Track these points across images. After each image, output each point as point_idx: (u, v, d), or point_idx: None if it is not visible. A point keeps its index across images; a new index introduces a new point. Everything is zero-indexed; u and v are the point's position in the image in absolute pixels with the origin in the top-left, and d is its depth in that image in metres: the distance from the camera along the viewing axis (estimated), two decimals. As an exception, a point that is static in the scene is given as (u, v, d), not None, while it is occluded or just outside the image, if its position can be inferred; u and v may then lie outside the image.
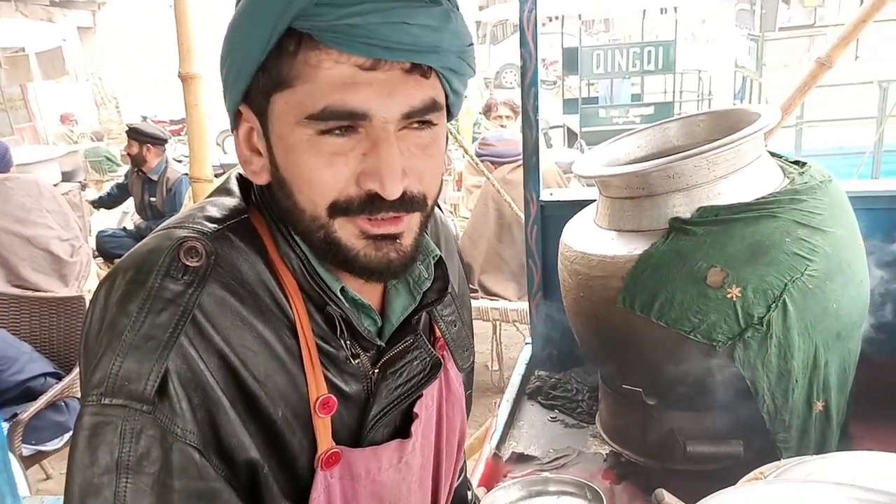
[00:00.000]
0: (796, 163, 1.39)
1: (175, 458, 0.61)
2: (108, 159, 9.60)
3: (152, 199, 4.86)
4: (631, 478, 1.45)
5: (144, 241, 0.68)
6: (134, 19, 13.12)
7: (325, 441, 0.70)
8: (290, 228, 0.71)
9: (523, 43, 1.74)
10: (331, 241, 0.67)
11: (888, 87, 5.50)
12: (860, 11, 2.07)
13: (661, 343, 1.27)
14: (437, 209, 0.91)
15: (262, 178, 0.70)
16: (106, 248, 4.93)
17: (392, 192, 0.63)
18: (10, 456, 2.45)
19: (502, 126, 4.79)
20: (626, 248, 1.32)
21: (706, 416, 1.34)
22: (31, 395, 2.62)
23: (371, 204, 0.64)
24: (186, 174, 4.83)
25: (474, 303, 3.48)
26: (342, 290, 0.72)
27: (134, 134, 4.77)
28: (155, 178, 4.81)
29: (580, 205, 1.66)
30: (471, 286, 3.56)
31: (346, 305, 0.72)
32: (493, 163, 3.75)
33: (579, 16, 8.81)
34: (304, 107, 0.62)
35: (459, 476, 1.10)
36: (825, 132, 6.33)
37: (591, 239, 1.42)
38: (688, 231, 1.24)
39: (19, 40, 11.53)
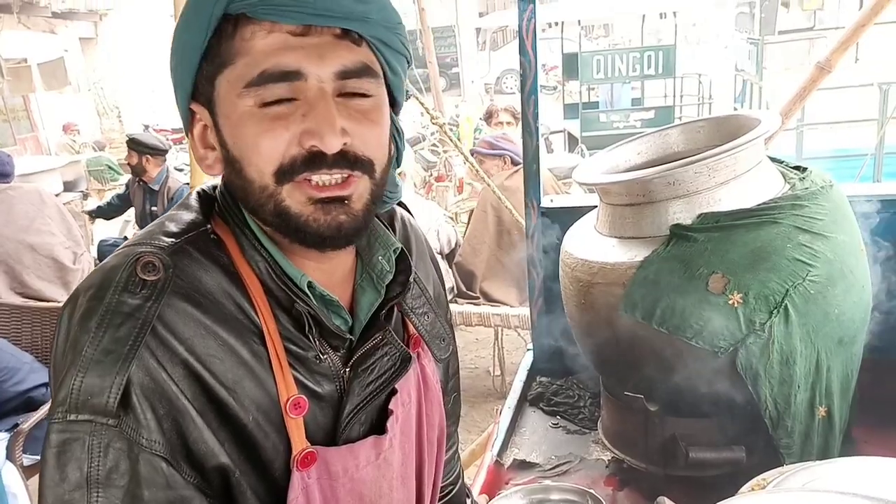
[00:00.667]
0: (797, 168, 1.39)
1: (143, 469, 0.62)
2: (110, 168, 9.63)
3: (153, 208, 4.87)
4: (633, 484, 1.44)
5: (105, 260, 0.70)
6: (135, 30, 13.18)
7: (299, 442, 0.71)
8: (252, 231, 0.73)
9: (522, 51, 1.75)
10: (280, 210, 0.68)
11: (888, 89, 5.49)
12: (859, 16, 2.07)
13: (662, 349, 1.27)
14: (405, 210, 0.95)
15: (216, 170, 0.73)
16: (108, 256, 4.94)
17: (331, 145, 0.65)
18: (11, 466, 2.46)
19: (503, 133, 4.80)
20: (627, 254, 1.32)
21: (708, 422, 1.34)
22: (33, 406, 2.62)
23: (313, 161, 0.66)
24: (187, 184, 4.84)
25: (476, 309, 3.48)
26: (309, 285, 0.73)
27: (133, 144, 4.78)
28: (156, 187, 4.82)
29: (581, 211, 1.66)
30: (473, 293, 3.56)
31: (314, 303, 0.73)
32: (501, 158, 3.75)
33: (579, 21, 8.83)
34: (242, 77, 0.65)
35: (449, 476, 1.10)
36: (826, 135, 6.32)
37: (591, 246, 1.42)
38: (689, 238, 1.24)
39: (22, 52, 11.58)
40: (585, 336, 1.48)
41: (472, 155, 3.56)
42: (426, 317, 0.88)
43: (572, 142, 8.60)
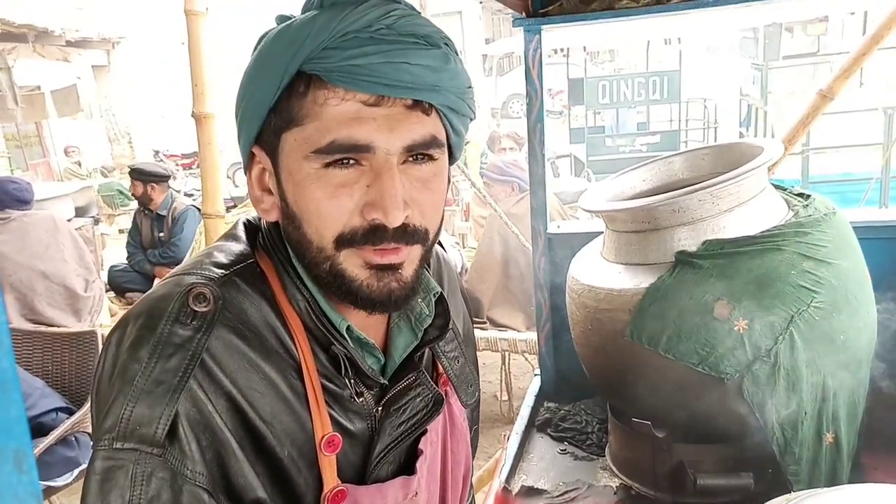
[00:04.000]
0: (800, 195, 1.40)
1: (185, 500, 0.62)
2: (121, 193, 9.75)
3: (161, 234, 4.91)
4: (642, 511, 1.44)
5: (155, 287, 0.71)
6: (147, 57, 13.41)
7: (330, 479, 0.71)
8: (296, 269, 0.73)
9: (528, 80, 1.78)
10: (336, 272, 0.69)
11: (893, 113, 5.52)
12: (861, 44, 2.10)
13: (669, 376, 1.28)
14: (439, 246, 0.94)
15: (272, 216, 0.74)
16: (118, 282, 4.98)
17: (394, 220, 0.66)
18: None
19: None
20: (632, 281, 1.33)
21: (716, 448, 1.34)
22: (43, 431, 2.63)
23: (374, 234, 0.67)
24: (193, 206, 4.89)
25: (483, 333, 3.48)
26: (348, 329, 0.74)
27: (137, 174, 4.83)
28: (164, 212, 4.86)
29: (587, 237, 1.68)
30: (479, 319, 3.57)
31: (351, 345, 0.74)
32: (509, 185, 3.78)
33: (584, 47, 8.92)
34: (311, 141, 0.66)
35: None
36: (832, 159, 6.34)
37: (598, 272, 1.44)
38: (694, 264, 1.26)
39: (36, 79, 11.80)
40: (592, 362, 1.49)
41: (482, 178, 3.59)
42: (456, 361, 0.88)
43: (578, 166, 8.63)
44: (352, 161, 0.66)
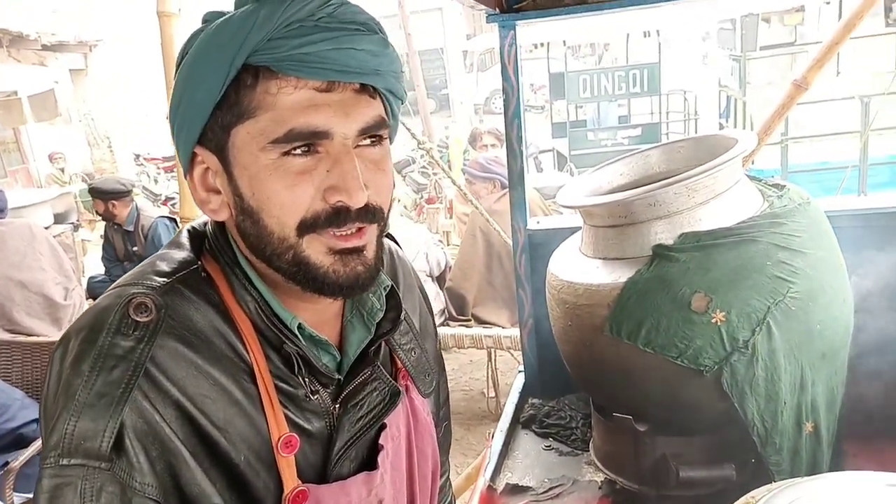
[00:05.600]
0: (775, 185, 1.41)
1: None
2: (101, 199, 9.61)
3: (134, 248, 4.85)
4: (627, 505, 1.44)
5: (97, 301, 0.70)
6: (125, 60, 13.27)
7: (290, 480, 0.71)
8: (244, 271, 0.73)
9: (505, 76, 1.77)
10: (300, 261, 0.69)
11: (869, 101, 5.58)
12: (833, 33, 2.11)
13: (649, 369, 1.28)
14: (394, 244, 0.95)
15: (221, 215, 0.73)
16: (97, 293, 4.91)
17: (358, 201, 0.67)
18: (2, 505, 2.43)
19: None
20: (611, 276, 1.33)
21: (698, 440, 1.34)
22: (23, 443, 2.60)
23: (337, 217, 0.68)
24: (162, 217, 4.84)
25: (468, 331, 3.48)
26: (299, 327, 0.74)
27: (95, 193, 4.75)
28: (130, 228, 4.79)
29: (567, 232, 1.67)
30: (464, 317, 3.57)
31: (303, 343, 0.74)
32: (491, 181, 3.79)
33: (564, 42, 8.93)
34: (267, 133, 0.66)
35: None
36: (811, 148, 6.40)
37: (576, 268, 1.44)
38: (671, 257, 1.26)
39: (12, 84, 11.62)
40: (573, 358, 1.49)
41: (464, 175, 3.58)
42: (413, 353, 0.89)
43: (561, 160, 8.65)
44: (309, 148, 0.67)
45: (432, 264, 3.56)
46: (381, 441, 0.80)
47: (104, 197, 4.69)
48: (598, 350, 1.36)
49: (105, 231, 5.13)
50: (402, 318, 0.82)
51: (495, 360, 3.88)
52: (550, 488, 1.54)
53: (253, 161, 0.67)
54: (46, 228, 5.32)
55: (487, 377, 3.93)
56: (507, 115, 1.80)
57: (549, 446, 1.74)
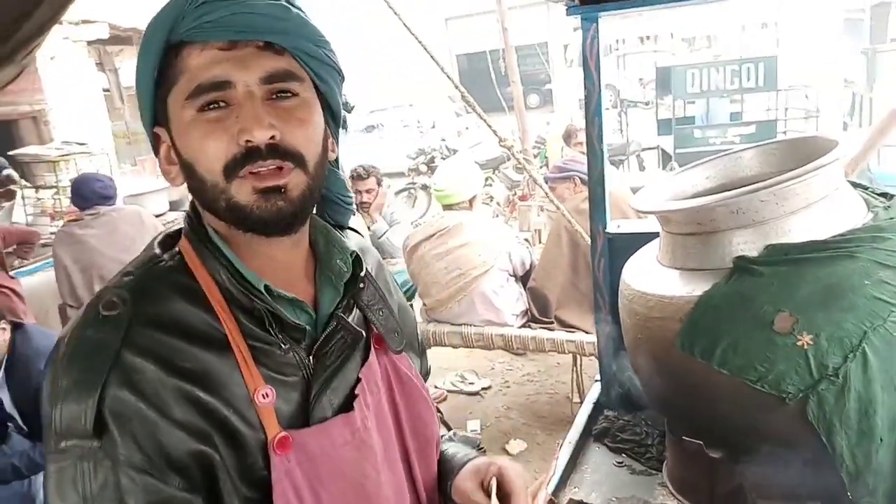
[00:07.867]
0: (883, 195, 1.26)
1: (125, 483, 0.69)
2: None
3: None
4: (698, 535, 1.34)
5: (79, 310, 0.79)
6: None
7: (272, 427, 0.77)
8: (215, 243, 0.80)
9: (586, 73, 1.69)
10: (232, 205, 0.76)
11: None
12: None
13: (725, 392, 1.17)
14: (356, 234, 1.01)
15: (178, 181, 0.81)
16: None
17: (261, 136, 0.74)
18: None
19: (582, 153, 4.71)
20: (685, 287, 1.23)
21: (779, 472, 1.22)
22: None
23: (250, 156, 0.75)
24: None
25: (549, 334, 3.39)
26: (266, 287, 0.79)
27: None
28: None
29: (648, 237, 1.58)
30: (547, 319, 3.47)
31: (271, 301, 0.79)
32: (570, 179, 3.68)
33: (671, 34, 8.57)
34: (184, 92, 0.76)
35: None
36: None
37: (650, 277, 1.34)
38: (753, 271, 1.15)
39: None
40: (643, 372, 1.40)
41: (547, 182, 3.49)
42: (381, 312, 0.94)
43: (665, 159, 8.31)
44: (222, 104, 0.75)
45: (515, 263, 3.48)
46: (356, 391, 0.86)
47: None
48: (670, 367, 1.26)
49: None
50: (362, 275, 0.89)
51: (581, 364, 3.76)
52: (616, 509, 1.46)
53: (180, 121, 0.77)
54: (161, 215, 5.67)
55: (572, 381, 3.82)
56: (588, 112, 1.72)
57: (622, 463, 1.65)
